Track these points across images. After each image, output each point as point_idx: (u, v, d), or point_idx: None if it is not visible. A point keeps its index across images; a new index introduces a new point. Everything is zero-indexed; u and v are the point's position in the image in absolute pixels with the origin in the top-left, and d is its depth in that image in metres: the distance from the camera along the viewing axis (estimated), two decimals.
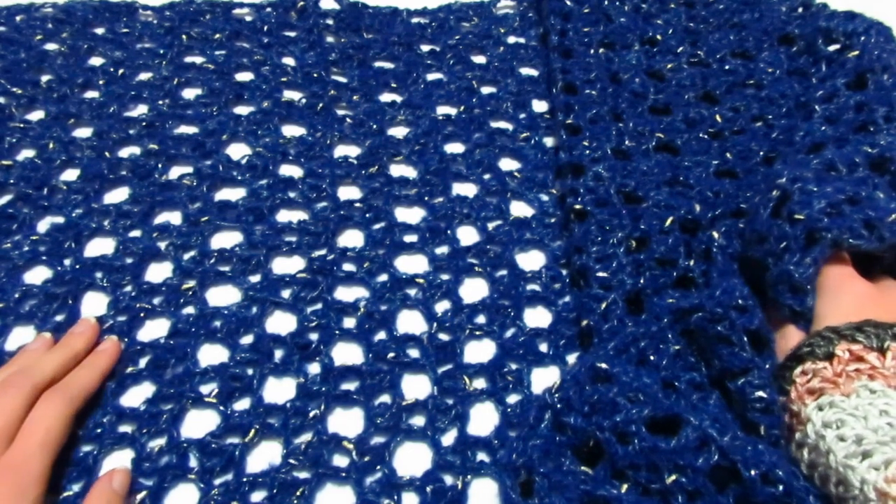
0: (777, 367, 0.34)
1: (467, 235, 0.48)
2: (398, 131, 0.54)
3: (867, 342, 0.32)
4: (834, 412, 0.30)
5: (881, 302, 0.35)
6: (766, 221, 0.39)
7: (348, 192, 0.50)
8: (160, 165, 0.51)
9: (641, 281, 0.42)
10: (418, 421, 0.39)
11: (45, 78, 0.56)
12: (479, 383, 0.41)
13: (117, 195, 0.49)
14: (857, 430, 0.29)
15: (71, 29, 0.59)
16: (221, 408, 0.40)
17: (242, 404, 0.40)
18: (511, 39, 0.61)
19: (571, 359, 0.42)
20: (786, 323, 0.37)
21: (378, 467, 0.38)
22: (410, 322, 0.44)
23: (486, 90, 0.57)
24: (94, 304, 0.44)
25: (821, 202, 0.37)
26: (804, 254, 0.37)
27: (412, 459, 0.38)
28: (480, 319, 0.44)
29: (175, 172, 0.51)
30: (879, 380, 0.31)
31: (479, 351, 0.42)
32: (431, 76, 0.58)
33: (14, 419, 0.35)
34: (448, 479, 0.37)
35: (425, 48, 0.59)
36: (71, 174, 0.50)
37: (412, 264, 0.46)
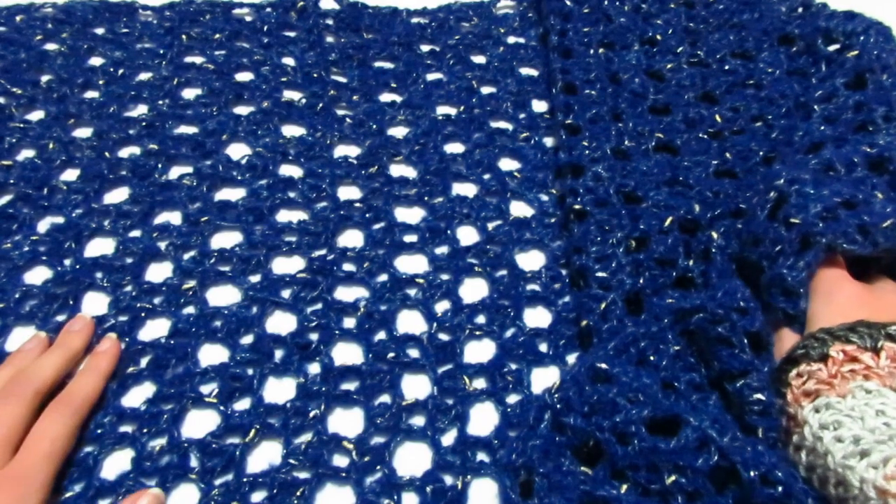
0: (773, 369, 0.34)
1: (467, 235, 0.48)
2: (398, 131, 0.54)
3: (861, 342, 0.32)
4: (830, 413, 0.30)
5: (874, 303, 0.35)
6: (763, 224, 0.39)
7: (348, 192, 0.50)
8: (160, 165, 0.51)
9: (641, 281, 0.42)
10: (418, 421, 0.40)
11: (45, 78, 0.56)
12: (479, 383, 0.41)
13: (117, 195, 0.49)
14: (854, 430, 0.29)
15: (71, 29, 0.59)
16: (222, 408, 0.40)
17: (242, 404, 0.40)
18: (511, 39, 0.61)
19: (571, 359, 0.42)
20: (781, 325, 0.37)
21: (378, 467, 0.38)
22: (410, 322, 0.44)
23: (486, 90, 0.57)
24: (94, 304, 0.44)
25: (817, 206, 0.37)
26: (798, 258, 0.37)
27: (412, 459, 0.38)
28: (480, 319, 0.44)
29: (175, 172, 0.51)
30: (874, 380, 0.31)
31: (479, 351, 0.42)
32: (431, 76, 0.58)
33: (18, 428, 0.35)
34: (448, 479, 0.37)
35: (425, 48, 0.59)
36: (71, 174, 0.50)
37: (412, 264, 0.46)
